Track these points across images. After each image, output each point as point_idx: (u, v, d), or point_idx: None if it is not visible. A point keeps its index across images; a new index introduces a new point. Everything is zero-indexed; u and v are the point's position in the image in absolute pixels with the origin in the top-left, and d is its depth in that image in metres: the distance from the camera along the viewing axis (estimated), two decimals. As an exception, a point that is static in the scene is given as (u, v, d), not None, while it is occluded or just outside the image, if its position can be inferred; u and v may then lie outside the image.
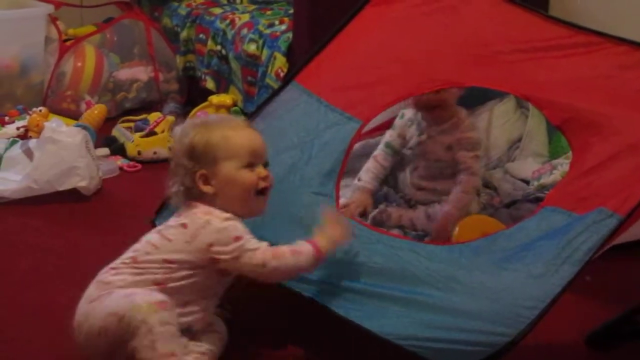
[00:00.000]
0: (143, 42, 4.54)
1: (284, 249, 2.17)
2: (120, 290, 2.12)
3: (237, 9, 4.33)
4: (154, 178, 3.51)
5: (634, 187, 2.05)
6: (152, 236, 2.25)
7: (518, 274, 2.07)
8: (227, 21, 4.15)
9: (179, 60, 4.50)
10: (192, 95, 4.44)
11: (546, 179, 3.04)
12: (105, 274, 2.19)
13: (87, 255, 2.83)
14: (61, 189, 3.26)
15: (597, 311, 2.41)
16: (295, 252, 2.17)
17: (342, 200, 2.68)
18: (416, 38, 2.66)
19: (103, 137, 3.84)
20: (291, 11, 3.84)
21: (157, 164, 3.67)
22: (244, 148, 2.23)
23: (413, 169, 3.05)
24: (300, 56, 3.60)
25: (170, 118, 3.87)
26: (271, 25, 3.91)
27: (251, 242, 2.16)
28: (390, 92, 2.57)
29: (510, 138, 3.46)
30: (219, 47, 4.14)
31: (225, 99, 3.95)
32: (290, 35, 3.71)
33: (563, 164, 3.07)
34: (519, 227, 2.23)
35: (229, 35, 4.07)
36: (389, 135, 3.07)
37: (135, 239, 2.88)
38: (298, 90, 2.65)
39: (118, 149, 3.76)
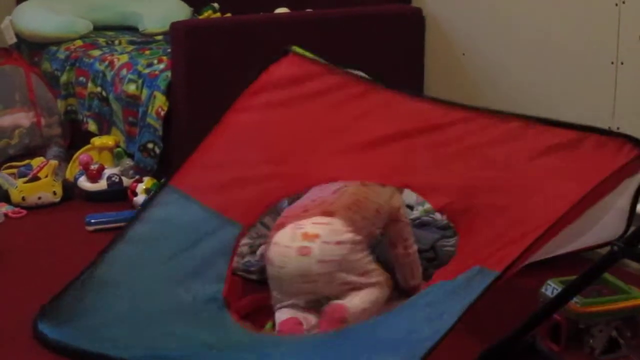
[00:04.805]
0: (24, 88, 4.51)
1: None
2: None
3: (116, 50, 4.35)
4: (40, 223, 3.55)
5: (509, 249, 2.05)
6: (350, 187, 2.54)
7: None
8: (106, 63, 4.17)
9: (61, 105, 4.48)
10: (74, 138, 4.43)
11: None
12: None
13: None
14: (-54, 239, 3.24)
15: (490, 331, 2.35)
16: None
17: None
18: (284, 133, 2.71)
19: (-14, 185, 3.82)
20: (169, 50, 3.88)
21: (42, 209, 3.68)
22: None
23: None
24: (179, 94, 3.65)
25: (54, 162, 3.87)
26: (150, 64, 3.94)
27: None
28: (266, 191, 2.60)
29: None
30: (99, 89, 4.16)
31: (107, 140, 3.98)
32: (169, 73, 3.75)
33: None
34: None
35: (109, 76, 4.09)
36: None
37: (25, 285, 2.89)
38: (175, 194, 2.70)
39: (2, 196, 3.74)
